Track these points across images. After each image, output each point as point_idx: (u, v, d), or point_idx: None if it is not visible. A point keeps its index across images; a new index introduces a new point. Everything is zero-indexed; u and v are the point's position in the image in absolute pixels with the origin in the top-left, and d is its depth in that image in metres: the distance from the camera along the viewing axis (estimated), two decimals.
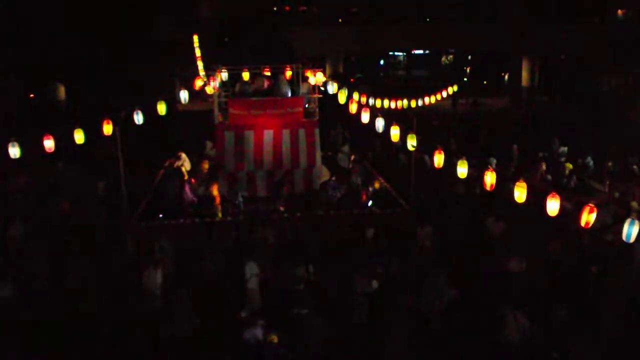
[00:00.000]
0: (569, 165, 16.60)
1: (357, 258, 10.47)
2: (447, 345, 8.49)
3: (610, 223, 11.25)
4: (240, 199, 13.44)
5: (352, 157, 16.12)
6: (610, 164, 16.66)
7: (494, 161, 16.28)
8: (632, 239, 7.46)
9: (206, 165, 15.13)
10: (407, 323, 8.47)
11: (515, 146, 18.42)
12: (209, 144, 17.00)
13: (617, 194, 14.78)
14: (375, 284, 9.59)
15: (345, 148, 17.66)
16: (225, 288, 9.92)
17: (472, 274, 10.11)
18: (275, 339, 7.65)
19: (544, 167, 16.35)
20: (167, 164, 15.44)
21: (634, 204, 12.49)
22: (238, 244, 11.27)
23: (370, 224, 11.75)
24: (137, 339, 8.53)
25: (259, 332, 8.06)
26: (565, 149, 18.33)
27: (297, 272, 9.85)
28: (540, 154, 17.69)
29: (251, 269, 9.58)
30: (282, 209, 13.23)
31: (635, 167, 16.09)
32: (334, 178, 14.03)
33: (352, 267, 9.93)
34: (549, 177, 16.09)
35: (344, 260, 10.48)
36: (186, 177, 13.96)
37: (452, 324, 8.83)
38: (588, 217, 7.53)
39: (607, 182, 15.83)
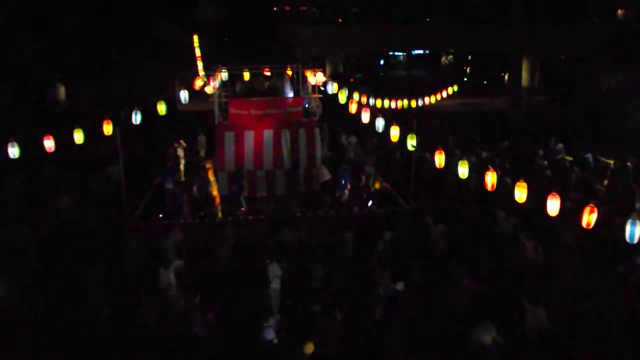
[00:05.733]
0: (569, 158, 16.66)
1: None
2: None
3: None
4: (242, 199, 13.43)
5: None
6: (610, 163, 16.66)
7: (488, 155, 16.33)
8: (636, 239, 7.42)
9: (208, 165, 15.12)
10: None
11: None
12: (202, 138, 17.07)
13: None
14: (400, 285, 9.18)
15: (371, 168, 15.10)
16: (241, 289, 9.68)
17: (489, 270, 10.03)
18: (311, 348, 7.24)
19: (544, 165, 16.36)
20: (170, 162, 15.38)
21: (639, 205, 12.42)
22: (255, 245, 11.09)
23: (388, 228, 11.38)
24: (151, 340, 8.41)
25: (277, 334, 7.95)
26: (561, 145, 18.33)
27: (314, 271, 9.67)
28: (540, 153, 17.68)
29: (274, 271, 9.46)
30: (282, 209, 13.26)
31: (629, 164, 16.06)
32: (343, 165, 14.07)
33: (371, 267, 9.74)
34: (549, 172, 16.11)
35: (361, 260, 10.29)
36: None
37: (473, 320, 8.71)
38: (589, 218, 7.53)
39: (606, 181, 15.81)
